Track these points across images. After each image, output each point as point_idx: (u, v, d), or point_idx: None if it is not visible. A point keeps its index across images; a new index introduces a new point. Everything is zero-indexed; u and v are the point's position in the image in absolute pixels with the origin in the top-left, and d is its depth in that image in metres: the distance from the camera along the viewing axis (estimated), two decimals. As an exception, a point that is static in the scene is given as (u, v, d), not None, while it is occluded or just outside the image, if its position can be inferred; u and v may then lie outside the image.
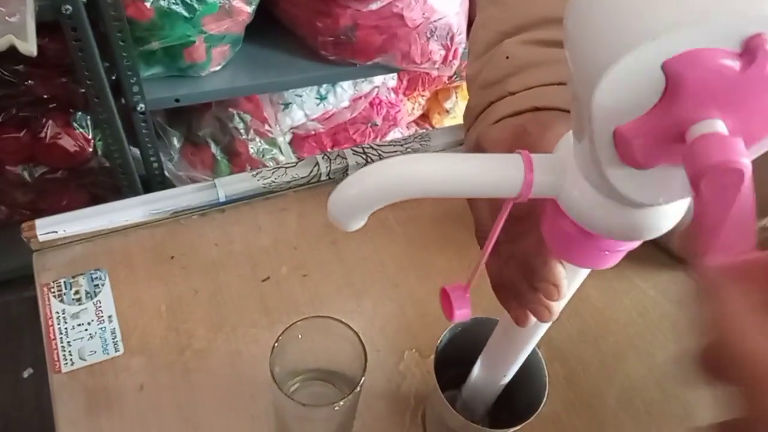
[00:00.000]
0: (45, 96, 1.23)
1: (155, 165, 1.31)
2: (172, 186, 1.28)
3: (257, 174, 0.65)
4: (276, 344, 0.43)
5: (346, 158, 0.68)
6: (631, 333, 0.62)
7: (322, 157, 0.68)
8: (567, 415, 0.56)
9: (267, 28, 1.30)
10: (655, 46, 0.18)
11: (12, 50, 0.95)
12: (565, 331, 0.61)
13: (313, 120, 1.50)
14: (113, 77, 1.18)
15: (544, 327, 0.37)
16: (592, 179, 0.24)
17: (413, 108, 1.72)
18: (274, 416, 0.51)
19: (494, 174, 0.26)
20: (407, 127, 1.74)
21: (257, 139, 1.42)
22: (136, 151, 1.32)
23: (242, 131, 1.39)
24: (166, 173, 1.35)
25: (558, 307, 0.32)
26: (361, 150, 0.69)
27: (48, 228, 0.58)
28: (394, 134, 1.65)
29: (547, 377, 0.45)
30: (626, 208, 0.24)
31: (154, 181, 1.35)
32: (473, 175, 0.26)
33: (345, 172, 0.68)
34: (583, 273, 0.31)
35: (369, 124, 1.58)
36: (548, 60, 0.38)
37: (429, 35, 1.25)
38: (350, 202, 0.27)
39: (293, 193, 0.68)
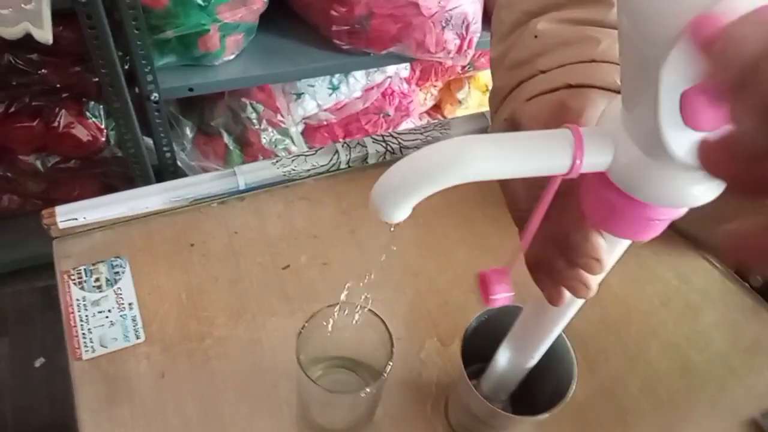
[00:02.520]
0: (58, 85, 1.23)
1: (168, 155, 1.31)
2: (185, 176, 1.28)
3: (277, 162, 0.65)
4: (302, 330, 0.43)
5: (366, 146, 0.68)
6: (653, 322, 0.61)
7: (342, 146, 0.67)
8: (589, 404, 0.55)
9: (281, 17, 1.30)
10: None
11: (26, 38, 0.95)
12: (586, 320, 0.60)
13: (325, 110, 1.50)
14: (127, 66, 1.17)
15: (576, 307, 0.36)
16: (646, 147, 0.24)
17: (425, 98, 1.71)
18: (297, 403, 0.51)
19: (545, 151, 0.25)
20: (419, 118, 1.73)
21: (269, 129, 1.42)
22: (149, 141, 1.32)
23: (255, 121, 1.39)
24: (178, 163, 1.34)
25: (596, 282, 0.32)
26: (381, 138, 0.68)
27: (68, 215, 0.57)
28: (407, 124, 1.65)
29: (576, 362, 0.44)
30: (677, 174, 0.24)
31: (167, 171, 1.35)
32: (524, 153, 0.25)
33: (365, 160, 0.68)
34: (622, 246, 0.31)
35: (381, 115, 1.57)
36: (578, 38, 0.38)
37: (444, 24, 1.24)
38: (396, 188, 0.26)
39: (313, 181, 0.67)
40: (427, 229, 0.66)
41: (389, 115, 1.58)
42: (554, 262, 0.32)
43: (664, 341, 0.60)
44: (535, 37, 0.40)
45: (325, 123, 1.53)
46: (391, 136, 0.69)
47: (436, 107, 1.79)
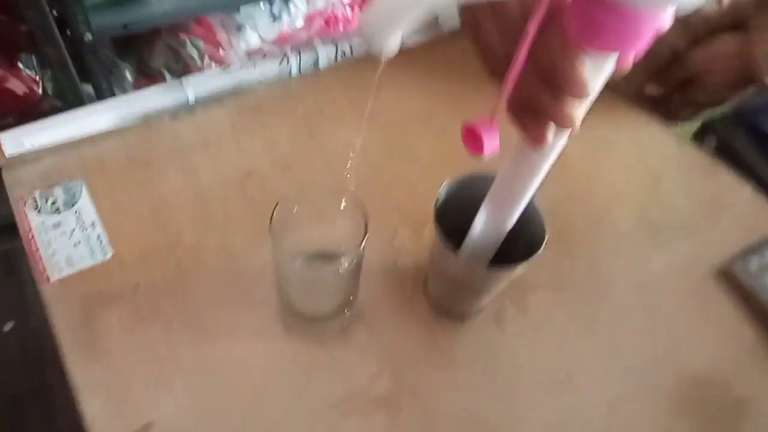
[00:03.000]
0: (-16, 37, 1.17)
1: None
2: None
3: (225, 69, 0.63)
4: (276, 207, 0.43)
5: (316, 49, 0.66)
6: (617, 190, 0.63)
7: (291, 50, 0.65)
8: (562, 262, 0.57)
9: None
10: None
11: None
12: (551, 195, 0.61)
13: (268, 42, 1.46)
14: (55, 11, 1.11)
15: (557, 149, 0.36)
16: None
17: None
18: (278, 295, 0.51)
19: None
20: (365, 43, 1.70)
21: (213, 65, 1.37)
22: (89, 88, 1.27)
23: (196, 58, 1.34)
24: (123, 109, 1.30)
25: (580, 112, 0.32)
26: (330, 40, 0.67)
27: (14, 140, 0.55)
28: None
29: (545, 220, 0.45)
30: None
31: (112, 119, 1.30)
32: None
33: (316, 64, 0.67)
34: (607, 70, 0.31)
35: (326, 42, 1.54)
36: None
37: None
38: (385, 12, 0.26)
39: (264, 89, 0.66)
40: (388, 126, 0.65)
41: (334, 42, 1.55)
42: (538, 97, 0.32)
43: (629, 206, 0.62)
44: None
45: (269, 56, 1.49)
46: (341, 37, 0.67)
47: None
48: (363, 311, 0.53)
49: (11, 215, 1.39)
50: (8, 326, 1.40)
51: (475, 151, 0.33)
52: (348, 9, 1.56)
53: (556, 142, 0.35)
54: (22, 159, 0.57)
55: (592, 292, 0.56)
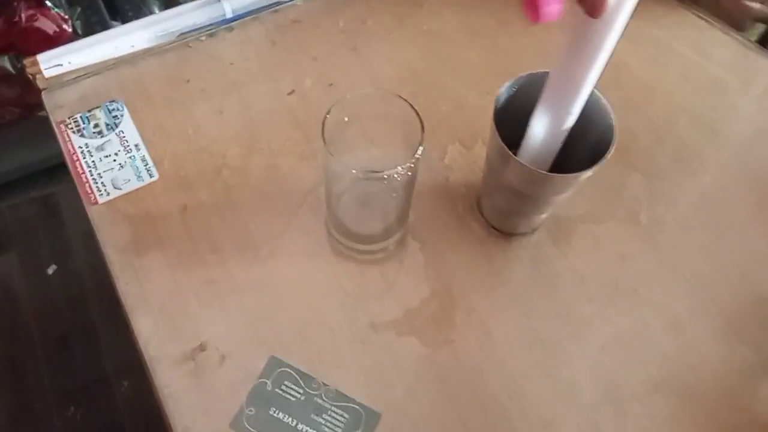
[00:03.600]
0: (10, -26, 1.15)
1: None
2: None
3: (262, -16, 0.60)
4: (327, 115, 0.41)
5: (354, -43, 0.63)
6: (678, 98, 0.59)
7: (329, -40, 0.62)
8: (621, 180, 0.54)
9: None
10: None
11: None
12: (609, 103, 0.58)
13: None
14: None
15: (617, 28, 0.34)
16: None
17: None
18: (327, 213, 0.49)
19: None
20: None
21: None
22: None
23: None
24: (153, 45, 1.28)
25: None
26: (369, -53, 0.63)
27: (52, 61, 0.53)
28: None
29: (613, 116, 0.42)
30: None
31: (143, 56, 1.28)
32: None
33: (355, -27, 0.63)
34: None
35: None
36: None
37: None
38: None
39: (303, 2, 0.63)
40: (433, 37, 0.62)
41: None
42: None
43: (691, 115, 0.58)
44: None
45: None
46: (381, -57, 0.64)
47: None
48: (414, 230, 0.51)
49: (48, 159, 1.39)
50: (51, 269, 1.42)
51: (534, 16, 0.30)
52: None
53: (617, 11, 0.32)
54: (61, 81, 0.55)
55: (653, 206, 0.53)
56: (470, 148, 0.56)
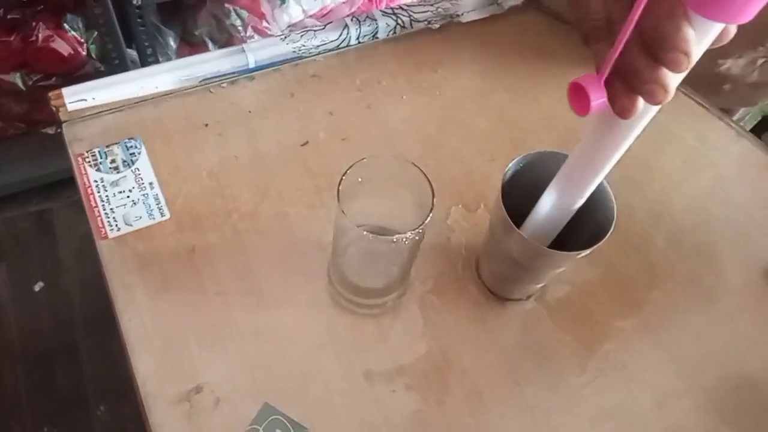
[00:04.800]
0: (33, -5, 1.17)
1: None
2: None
3: (286, 38, 0.62)
4: (343, 177, 0.42)
5: (376, 20, 0.65)
6: (675, 180, 0.62)
7: (351, 20, 0.65)
8: (617, 257, 0.56)
9: None
10: None
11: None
12: (608, 179, 0.61)
13: (311, 16, 1.45)
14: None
15: (641, 125, 0.36)
16: None
17: None
18: (331, 264, 0.51)
19: None
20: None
21: (255, 36, 1.37)
22: (133, 53, 1.27)
23: (240, 28, 1.34)
24: (165, 75, 1.30)
25: (675, 84, 0.31)
26: (390, 11, 0.66)
27: (76, 96, 0.55)
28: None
29: (615, 203, 0.44)
30: None
31: (154, 84, 1.30)
32: None
33: (375, 35, 0.66)
34: (710, 40, 0.30)
35: (369, 19, 1.52)
36: None
37: None
38: None
39: (322, 59, 0.65)
40: (445, 102, 0.64)
41: (377, 19, 1.53)
42: (635, 63, 0.31)
43: (687, 197, 0.60)
44: None
45: (311, 30, 1.48)
46: (401, 8, 0.66)
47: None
48: (413, 288, 0.52)
49: (48, 176, 1.40)
50: (38, 286, 1.42)
51: (581, 110, 0.32)
52: (392, -13, 1.55)
53: (645, 113, 0.34)
54: (83, 115, 0.57)
55: (646, 284, 0.55)
56: (473, 212, 0.58)
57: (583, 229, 0.46)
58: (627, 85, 0.32)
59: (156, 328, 0.48)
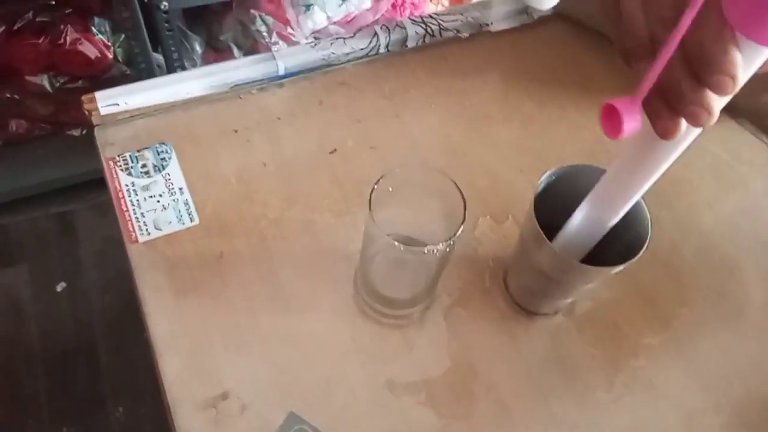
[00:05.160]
0: (62, -1, 1.19)
1: (179, 71, 1.28)
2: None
3: (316, 45, 0.63)
4: (375, 185, 0.42)
5: (405, 28, 0.65)
6: (704, 194, 0.61)
7: (381, 28, 0.65)
8: (644, 271, 0.55)
9: None
10: None
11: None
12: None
13: (335, 23, 1.46)
14: (132, -24, 1.13)
15: (683, 145, 0.35)
16: None
17: (436, 8, 1.66)
18: (359, 273, 0.51)
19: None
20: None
21: (280, 42, 1.38)
22: (159, 57, 1.28)
23: (265, 34, 1.35)
24: (189, 79, 1.31)
25: (720, 107, 0.30)
26: (420, 20, 0.66)
27: (109, 100, 0.56)
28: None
29: (650, 219, 0.44)
30: None
31: (178, 88, 1.31)
32: None
33: (404, 43, 0.66)
34: (756, 65, 0.29)
35: (392, 26, 1.53)
36: None
37: None
38: None
39: (351, 66, 0.65)
40: (472, 111, 0.64)
41: (400, 27, 1.54)
42: (678, 83, 0.30)
43: (716, 211, 0.60)
44: None
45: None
46: (431, 17, 0.66)
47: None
48: (440, 299, 0.52)
49: (71, 177, 1.42)
50: (60, 287, 1.43)
51: (613, 133, 0.32)
52: (415, -6, 1.55)
53: (687, 134, 0.34)
54: (115, 119, 0.57)
55: (674, 300, 0.54)
56: (501, 223, 0.57)
57: (615, 243, 0.46)
58: (669, 105, 0.31)
59: (183, 332, 0.48)
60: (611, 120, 0.31)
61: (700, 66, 0.29)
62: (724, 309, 0.54)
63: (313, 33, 1.45)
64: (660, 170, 0.37)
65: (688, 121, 0.31)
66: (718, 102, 0.30)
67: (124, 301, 1.40)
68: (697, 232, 0.58)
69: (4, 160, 1.44)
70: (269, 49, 1.32)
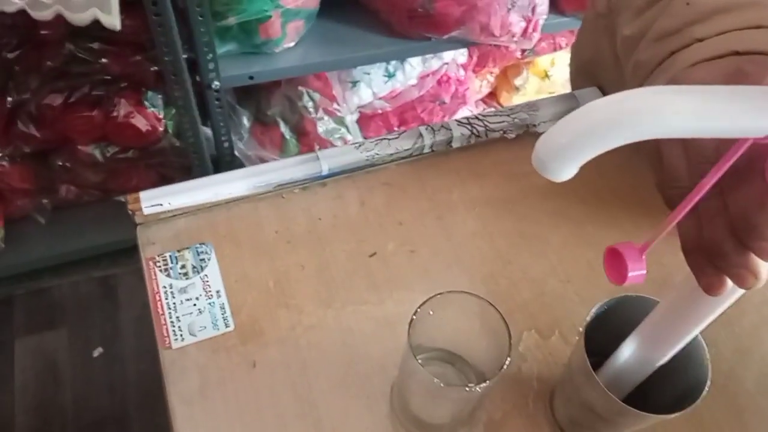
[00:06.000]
0: (118, 74, 1.23)
1: (226, 144, 1.30)
2: (242, 166, 1.27)
3: (360, 146, 0.62)
4: (414, 316, 0.41)
5: (450, 130, 0.65)
6: (766, 314, 0.57)
7: (426, 129, 0.64)
8: (702, 403, 0.51)
9: (340, 3, 1.28)
10: None
11: (88, 27, 0.94)
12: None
13: (380, 98, 1.47)
14: (186, 55, 1.16)
15: (733, 299, 0.33)
16: None
17: (481, 86, 1.67)
18: (395, 395, 0.49)
19: (751, 108, 0.22)
20: (475, 105, 1.70)
21: (325, 117, 1.40)
22: (207, 131, 1.31)
23: (311, 110, 1.37)
24: (236, 153, 1.33)
25: (765, 271, 0.29)
26: (466, 121, 0.65)
27: (153, 200, 0.56)
28: (463, 112, 1.61)
29: (709, 361, 0.41)
30: None
31: (224, 161, 1.34)
32: (726, 108, 0.22)
33: (449, 143, 0.65)
34: None
35: (437, 102, 1.54)
36: (737, 4, 0.34)
37: (510, 6, 1.20)
38: (569, 143, 0.24)
39: (395, 166, 0.65)
40: (518, 216, 0.63)
41: (445, 103, 1.55)
42: (721, 244, 0.29)
43: (780, 334, 0.56)
44: (687, 4, 0.37)
45: (380, 111, 1.50)
46: (477, 118, 0.66)
47: (492, 95, 1.75)
48: (480, 423, 0.49)
49: (117, 243, 1.44)
50: (97, 352, 1.44)
51: (615, 278, 0.30)
52: (461, 71, 1.56)
53: (733, 292, 0.32)
54: (157, 218, 0.57)
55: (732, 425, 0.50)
56: (547, 338, 0.55)
57: (669, 380, 0.43)
58: (714, 263, 0.30)
59: (211, 447, 0.47)
60: (616, 265, 0.30)
61: (743, 233, 0.28)
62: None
63: (358, 107, 1.47)
64: (712, 316, 0.35)
65: (733, 281, 0.29)
66: (765, 267, 0.28)
67: (158, 371, 1.39)
68: (759, 356, 0.55)
69: (53, 224, 1.47)
70: (314, 125, 1.34)
